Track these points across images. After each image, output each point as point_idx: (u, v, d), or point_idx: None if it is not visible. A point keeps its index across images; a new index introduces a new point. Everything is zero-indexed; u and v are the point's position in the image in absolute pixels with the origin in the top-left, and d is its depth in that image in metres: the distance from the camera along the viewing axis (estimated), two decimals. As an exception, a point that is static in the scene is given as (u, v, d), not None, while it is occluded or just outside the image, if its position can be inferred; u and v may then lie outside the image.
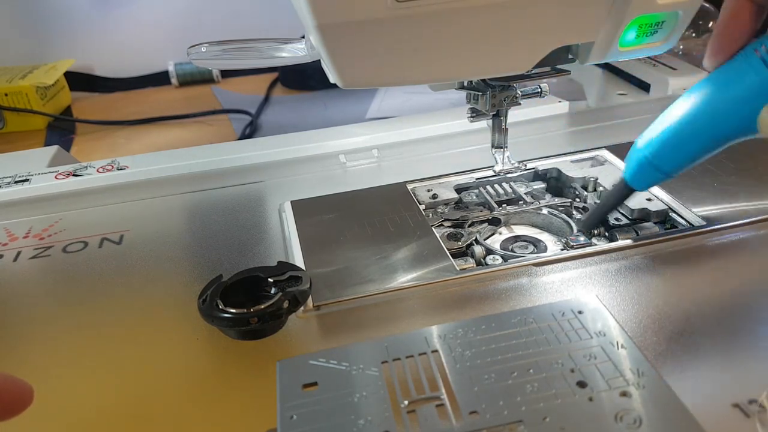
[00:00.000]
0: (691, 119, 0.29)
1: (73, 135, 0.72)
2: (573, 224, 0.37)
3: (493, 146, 0.39)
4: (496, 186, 0.43)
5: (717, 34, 0.27)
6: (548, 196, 0.41)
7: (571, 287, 0.32)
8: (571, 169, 0.44)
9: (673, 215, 0.37)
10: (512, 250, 0.37)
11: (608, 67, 0.64)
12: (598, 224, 0.36)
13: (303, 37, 0.36)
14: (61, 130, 0.73)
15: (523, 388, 0.25)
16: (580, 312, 0.29)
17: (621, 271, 0.33)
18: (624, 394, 0.24)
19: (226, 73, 0.88)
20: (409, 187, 0.43)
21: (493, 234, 0.39)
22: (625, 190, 0.33)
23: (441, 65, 0.29)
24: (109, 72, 0.87)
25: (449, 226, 0.39)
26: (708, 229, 0.35)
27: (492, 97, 0.36)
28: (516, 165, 0.40)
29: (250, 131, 0.69)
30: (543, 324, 0.28)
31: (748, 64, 0.26)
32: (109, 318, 0.33)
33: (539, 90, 0.38)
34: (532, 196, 0.41)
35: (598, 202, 0.36)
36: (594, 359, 0.26)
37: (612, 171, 0.43)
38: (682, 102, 0.29)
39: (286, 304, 0.30)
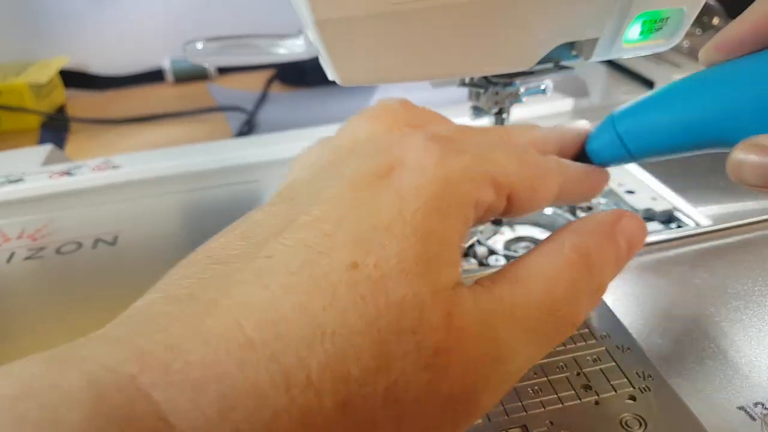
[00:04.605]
0: (675, 108, 0.25)
1: (67, 133, 0.71)
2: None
3: (494, 144, 0.39)
4: (497, 185, 0.42)
5: (733, 28, 0.22)
6: (550, 195, 0.41)
7: (575, 288, 0.31)
8: (573, 167, 0.43)
9: (679, 215, 0.37)
10: (515, 251, 0.36)
11: (612, 64, 0.63)
12: None
13: (301, 33, 0.36)
14: (55, 129, 0.72)
15: (526, 392, 0.24)
16: (584, 314, 0.28)
17: (626, 272, 0.32)
18: (629, 397, 0.24)
19: (222, 70, 0.87)
20: (409, 185, 0.42)
21: (495, 234, 0.38)
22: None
23: (442, 62, 0.29)
24: (103, 69, 0.86)
25: (450, 226, 0.38)
26: (715, 228, 0.34)
27: (494, 94, 0.35)
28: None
29: (247, 129, 0.69)
30: (547, 326, 0.28)
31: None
32: (104, 319, 0.32)
33: (542, 87, 0.38)
34: (533, 195, 0.41)
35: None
36: (599, 362, 0.25)
37: (616, 168, 0.42)
38: (677, 87, 0.25)
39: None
